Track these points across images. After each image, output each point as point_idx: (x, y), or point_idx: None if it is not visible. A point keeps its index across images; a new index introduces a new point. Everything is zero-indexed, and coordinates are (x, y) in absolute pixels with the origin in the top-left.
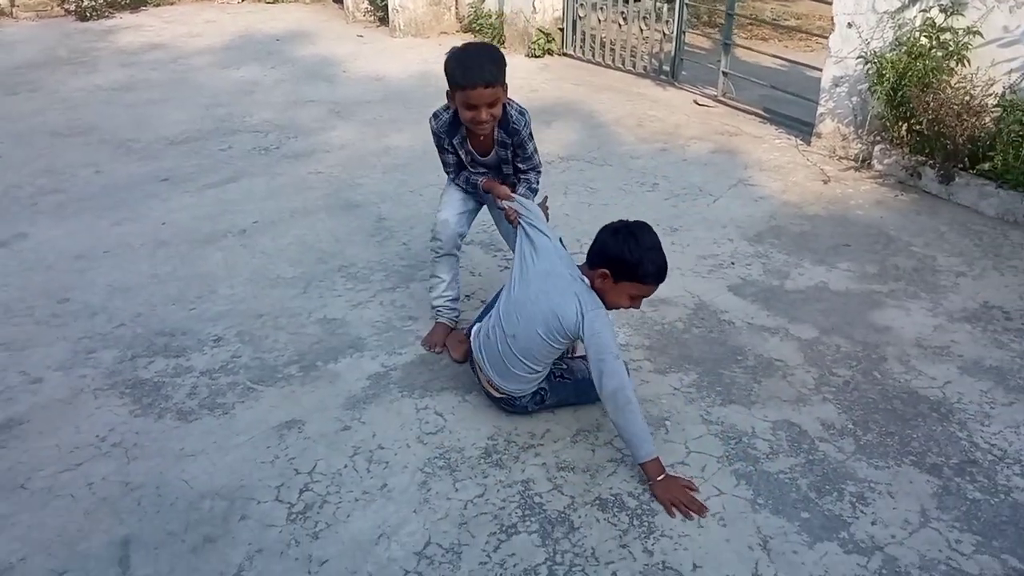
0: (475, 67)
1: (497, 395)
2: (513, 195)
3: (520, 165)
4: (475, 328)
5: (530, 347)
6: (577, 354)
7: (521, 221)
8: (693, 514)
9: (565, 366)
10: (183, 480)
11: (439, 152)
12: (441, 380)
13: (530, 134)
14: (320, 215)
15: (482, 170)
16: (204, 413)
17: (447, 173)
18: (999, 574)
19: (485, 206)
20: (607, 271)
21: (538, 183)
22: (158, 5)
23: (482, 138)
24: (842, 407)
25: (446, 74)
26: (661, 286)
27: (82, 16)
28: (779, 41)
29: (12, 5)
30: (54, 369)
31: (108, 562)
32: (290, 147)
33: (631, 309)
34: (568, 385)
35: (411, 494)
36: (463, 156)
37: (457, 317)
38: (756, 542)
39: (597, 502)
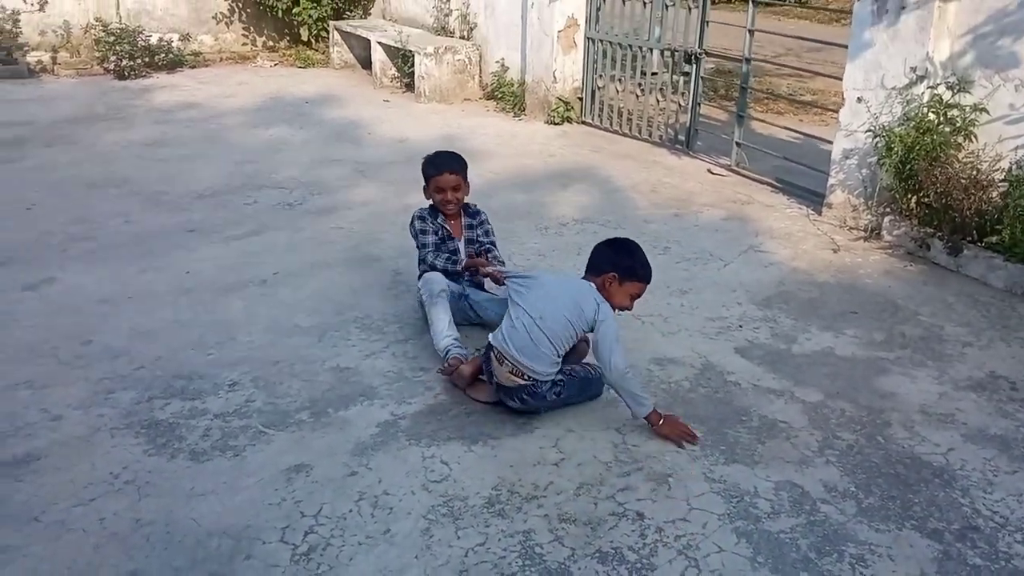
0: (443, 162)
1: (522, 382)
2: (491, 263)
3: (484, 240)
4: (492, 336)
5: (556, 328)
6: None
7: (507, 274)
8: (692, 440)
9: (570, 368)
10: (192, 519)
11: (421, 236)
12: (448, 430)
13: (488, 221)
14: (339, 268)
15: (454, 257)
16: (216, 454)
17: (425, 260)
18: None
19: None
20: (615, 274)
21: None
22: (194, 67)
23: (452, 222)
24: (845, 470)
25: (423, 172)
26: (670, 344)
27: (120, 75)
28: (794, 115)
29: (54, 63)
30: (74, 408)
31: None
32: (313, 203)
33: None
34: (575, 381)
35: (413, 540)
36: (442, 235)
37: (467, 355)
38: None
39: (597, 555)
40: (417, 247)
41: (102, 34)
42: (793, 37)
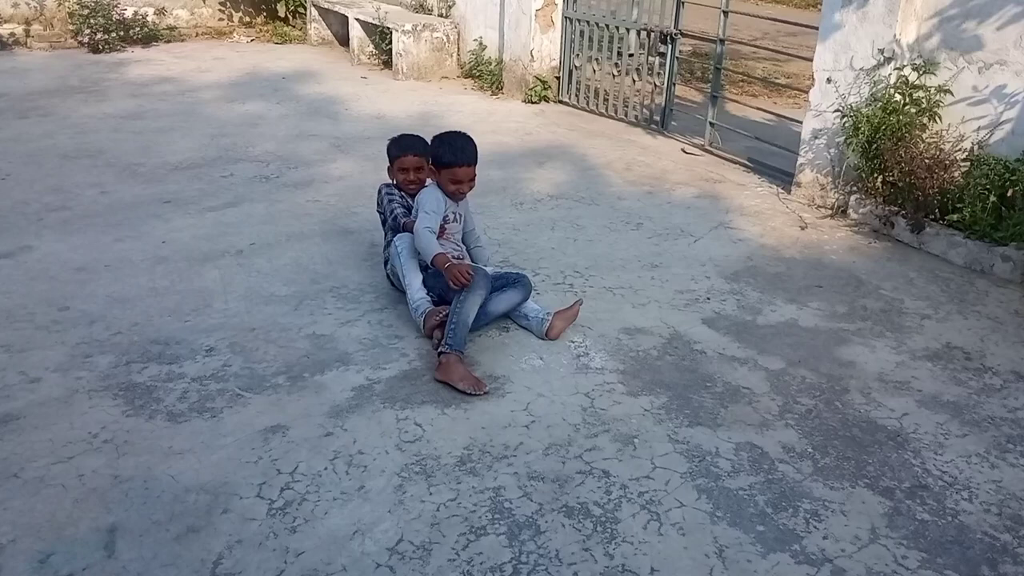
0: (407, 144)
1: None
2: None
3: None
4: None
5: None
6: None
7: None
8: (463, 280)
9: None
10: (170, 475)
11: (388, 204)
12: (422, 394)
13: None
14: (315, 239)
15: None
16: (193, 415)
17: (397, 219)
18: None
19: None
20: (432, 168)
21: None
22: (169, 41)
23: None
24: (803, 432)
25: (388, 152)
26: (640, 314)
27: (95, 49)
28: (768, 98)
29: (27, 35)
30: (52, 371)
31: (94, 546)
32: (290, 177)
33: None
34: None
35: (387, 496)
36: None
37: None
38: (712, 551)
39: (564, 509)
40: (385, 214)
41: (76, 7)
42: (768, 19)
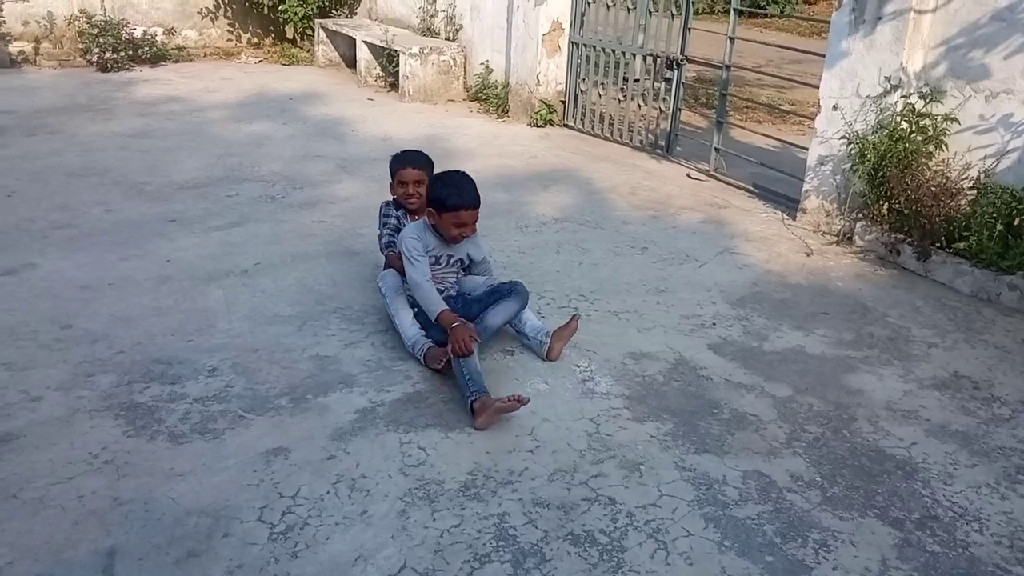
0: (408, 158)
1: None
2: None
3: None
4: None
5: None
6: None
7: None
8: (463, 351)
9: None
10: (170, 498)
11: (383, 219)
12: (426, 417)
13: None
14: (320, 260)
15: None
16: (195, 437)
17: (380, 240)
18: None
19: None
20: (431, 209)
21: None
22: (177, 61)
23: (415, 218)
24: (811, 461)
25: (390, 167)
26: (645, 339)
27: (103, 68)
28: (773, 124)
29: (37, 54)
30: (53, 389)
31: (93, 570)
32: (296, 197)
33: None
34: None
35: (390, 521)
36: (400, 226)
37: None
38: None
39: (569, 537)
40: (383, 231)
41: (86, 26)
42: (773, 46)
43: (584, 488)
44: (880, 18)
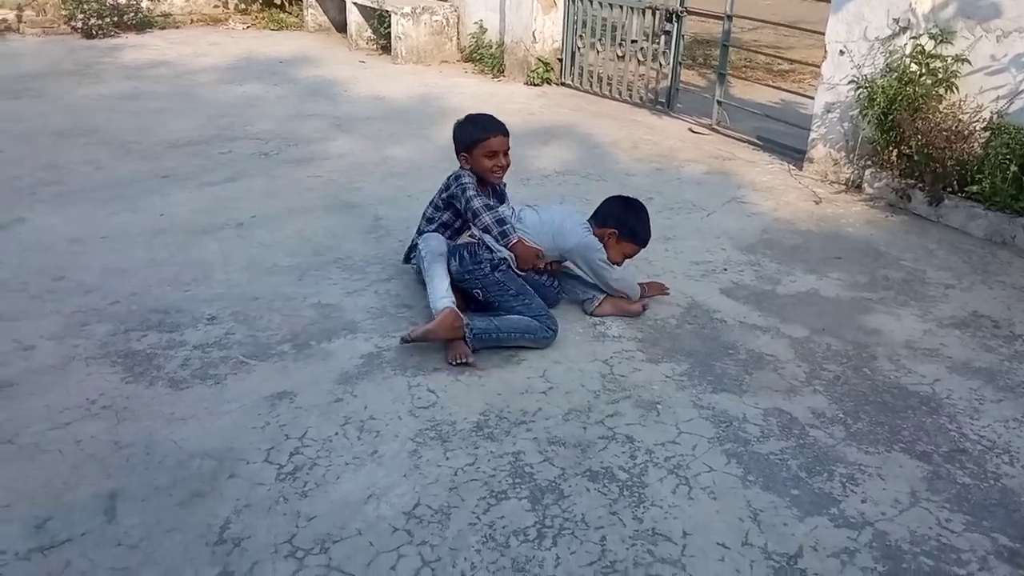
0: (489, 123)
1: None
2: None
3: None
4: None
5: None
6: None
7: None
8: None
9: (532, 282)
10: (172, 441)
11: (469, 189)
12: (434, 362)
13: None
14: (318, 213)
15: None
16: (196, 382)
17: (478, 210)
18: (989, 550)
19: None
20: (615, 231)
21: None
22: (163, 28)
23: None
24: (832, 398)
25: (462, 137)
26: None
27: (88, 34)
28: (773, 82)
29: (20, 21)
30: (47, 339)
31: (94, 512)
32: (290, 153)
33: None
34: (519, 286)
35: (401, 460)
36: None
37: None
38: (746, 514)
39: (588, 473)
40: (465, 200)
41: None
42: (771, 23)
43: (600, 427)
44: None
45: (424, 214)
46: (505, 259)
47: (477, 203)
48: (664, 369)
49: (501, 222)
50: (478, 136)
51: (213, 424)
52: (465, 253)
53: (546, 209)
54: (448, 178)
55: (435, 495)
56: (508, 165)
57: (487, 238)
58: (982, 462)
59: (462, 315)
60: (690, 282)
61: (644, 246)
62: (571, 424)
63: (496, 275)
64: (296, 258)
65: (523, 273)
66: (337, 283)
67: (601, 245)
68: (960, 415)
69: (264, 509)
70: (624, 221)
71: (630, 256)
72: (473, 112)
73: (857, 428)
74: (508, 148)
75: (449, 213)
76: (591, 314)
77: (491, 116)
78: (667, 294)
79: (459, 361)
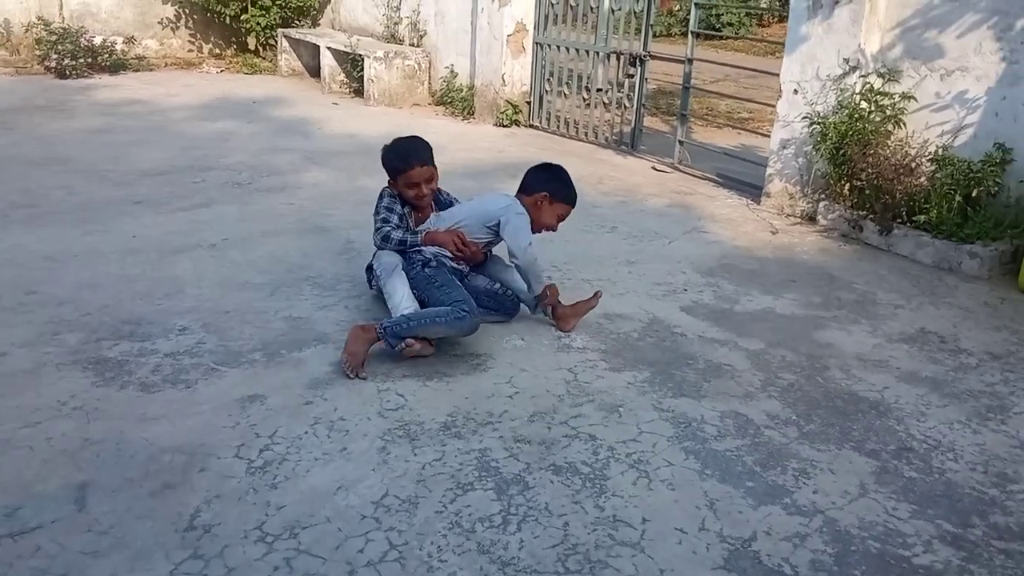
0: (409, 152)
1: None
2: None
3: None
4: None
5: (468, 225)
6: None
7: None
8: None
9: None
10: (143, 438)
11: (386, 212)
12: (403, 369)
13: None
14: (290, 235)
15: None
16: (167, 387)
17: (387, 237)
18: (933, 535)
19: None
20: (547, 194)
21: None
22: (137, 70)
23: (420, 215)
24: (786, 403)
25: (388, 165)
26: (619, 303)
27: (61, 75)
28: (732, 130)
29: None
30: (18, 346)
31: (64, 501)
32: (263, 183)
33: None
34: (447, 279)
35: (370, 456)
36: (404, 224)
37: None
38: (703, 503)
39: (552, 467)
40: (378, 221)
41: (43, 33)
42: (729, 65)
43: (564, 427)
44: (838, 2)
45: (374, 241)
46: (435, 255)
47: (385, 229)
48: (626, 377)
49: (403, 239)
50: (399, 167)
51: (184, 423)
52: (409, 255)
53: (467, 200)
54: (377, 204)
55: (403, 487)
56: (434, 191)
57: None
58: (928, 459)
59: (369, 323)
60: (652, 300)
61: (573, 206)
62: (536, 424)
63: (426, 271)
64: (268, 276)
65: (461, 269)
66: (308, 299)
67: (524, 214)
68: (908, 418)
69: (234, 499)
70: (551, 185)
71: (563, 217)
72: (403, 136)
73: (809, 429)
74: (432, 176)
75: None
76: (559, 328)
77: (415, 143)
78: (595, 302)
79: (350, 366)
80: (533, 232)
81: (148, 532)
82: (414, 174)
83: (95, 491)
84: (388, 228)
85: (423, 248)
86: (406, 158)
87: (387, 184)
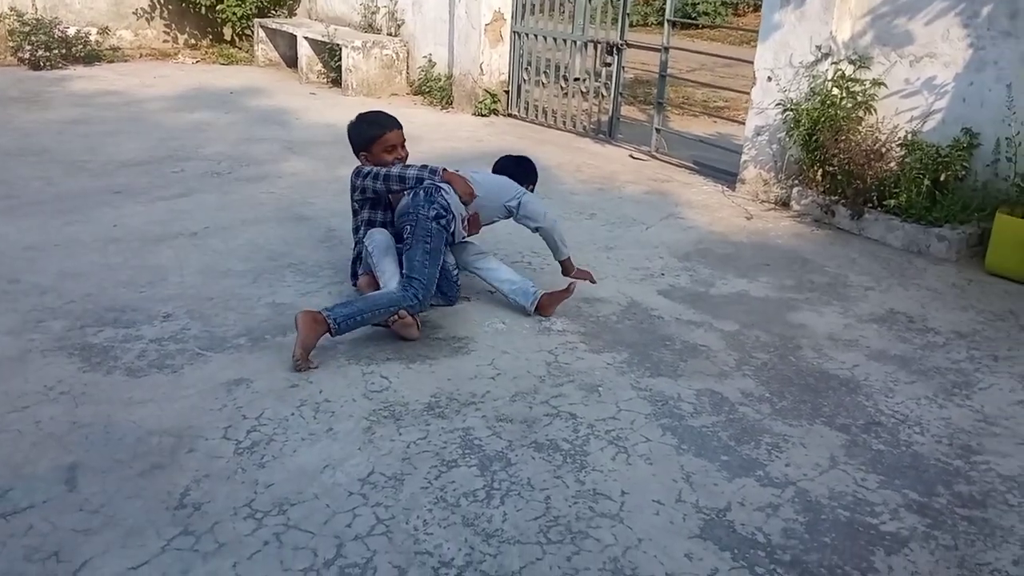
0: (384, 120)
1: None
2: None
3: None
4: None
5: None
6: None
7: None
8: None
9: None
10: (131, 421)
11: (378, 170)
12: (386, 352)
13: None
14: (271, 223)
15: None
16: (153, 371)
17: (399, 174)
18: (900, 504)
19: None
20: (532, 185)
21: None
22: (112, 61)
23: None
24: (760, 381)
25: (360, 135)
26: (598, 287)
27: (35, 66)
28: (708, 118)
29: None
30: (3, 334)
31: (54, 482)
32: (242, 172)
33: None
34: (434, 242)
35: (356, 436)
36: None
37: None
38: (680, 476)
39: (533, 444)
40: (370, 179)
41: (16, 24)
42: (704, 54)
43: (545, 406)
44: None
45: (353, 229)
46: (449, 215)
47: (395, 169)
48: (605, 358)
49: (424, 166)
50: (375, 133)
51: (171, 407)
52: (423, 191)
53: (479, 172)
54: (352, 181)
55: (389, 464)
56: (407, 156)
57: (444, 186)
58: (896, 432)
59: (317, 310)
60: (630, 284)
61: (390, 129)
62: (518, 404)
63: (433, 224)
64: (250, 263)
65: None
66: (291, 285)
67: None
68: (876, 394)
69: (223, 478)
70: (531, 175)
71: (395, 146)
72: (366, 111)
73: (782, 405)
74: (404, 140)
75: (368, 211)
76: (534, 313)
77: (382, 111)
78: (594, 283)
79: (302, 364)
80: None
81: (139, 511)
82: (391, 136)
83: (85, 472)
84: (396, 170)
85: (443, 189)
86: (381, 124)
87: (360, 162)
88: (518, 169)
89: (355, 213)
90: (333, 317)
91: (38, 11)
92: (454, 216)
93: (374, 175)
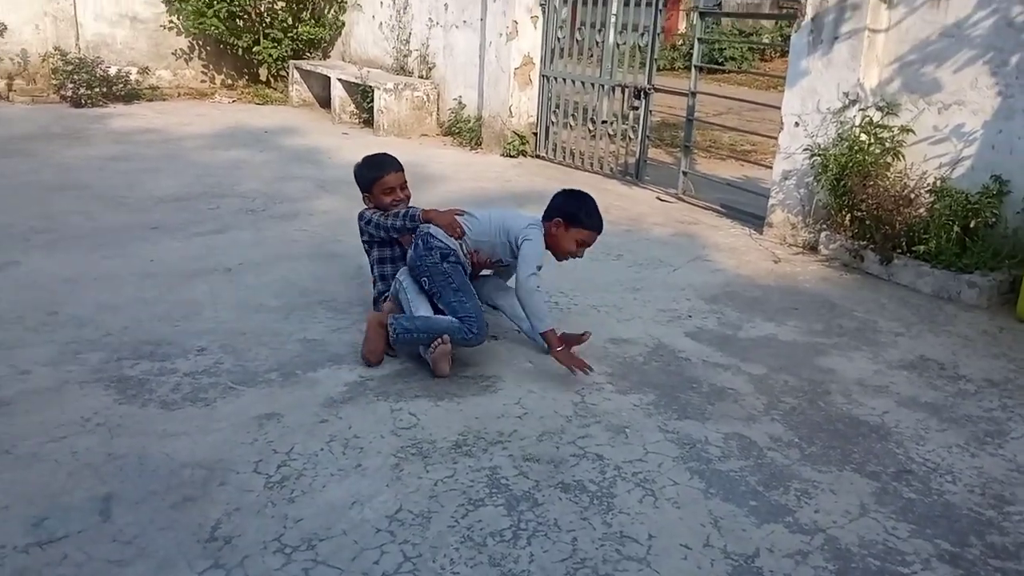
0: (383, 162)
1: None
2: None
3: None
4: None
5: (482, 241)
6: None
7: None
8: (585, 371)
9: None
10: (165, 453)
11: (381, 219)
12: (415, 389)
13: None
14: (303, 260)
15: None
16: (187, 404)
17: (391, 227)
18: (932, 554)
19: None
20: (560, 219)
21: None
22: (151, 100)
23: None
24: (789, 426)
25: (362, 178)
26: (625, 328)
27: (77, 103)
28: (736, 162)
29: (10, 89)
30: (42, 365)
31: (89, 512)
32: (276, 210)
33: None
34: (457, 283)
35: (384, 473)
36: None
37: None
38: (708, 521)
39: (560, 485)
40: (371, 227)
41: (60, 63)
42: (732, 99)
43: (572, 447)
44: (837, 38)
45: (370, 264)
46: (454, 251)
47: (387, 220)
48: (632, 399)
49: (405, 213)
50: (374, 175)
51: (204, 439)
52: (419, 241)
53: (486, 211)
54: (359, 225)
55: (416, 502)
56: (408, 197)
57: (432, 228)
58: (927, 481)
59: (386, 317)
60: (657, 326)
61: (596, 231)
62: (545, 444)
63: (444, 265)
64: (282, 299)
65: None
66: (322, 321)
67: (540, 238)
68: (907, 441)
69: (253, 512)
70: (566, 208)
71: (586, 243)
72: (371, 153)
73: (811, 451)
74: (404, 182)
75: (378, 250)
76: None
77: (385, 155)
78: (586, 370)
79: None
80: (557, 259)
81: (171, 542)
82: (389, 179)
83: (119, 503)
84: (389, 221)
85: (435, 235)
86: (381, 166)
87: (365, 206)
88: (556, 199)
89: (367, 253)
90: (395, 328)
91: (81, 51)
92: (458, 251)
93: (368, 222)
